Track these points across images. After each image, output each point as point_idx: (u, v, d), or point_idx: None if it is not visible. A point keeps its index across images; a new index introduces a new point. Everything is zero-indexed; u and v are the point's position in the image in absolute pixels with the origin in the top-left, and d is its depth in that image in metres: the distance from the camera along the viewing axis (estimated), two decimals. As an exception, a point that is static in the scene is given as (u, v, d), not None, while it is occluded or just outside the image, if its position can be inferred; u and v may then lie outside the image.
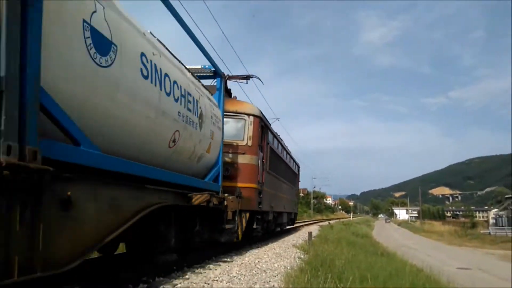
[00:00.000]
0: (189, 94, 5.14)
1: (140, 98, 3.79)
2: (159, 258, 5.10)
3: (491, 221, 66.69)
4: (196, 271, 5.47)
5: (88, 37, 2.95)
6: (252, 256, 7.42)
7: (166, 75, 4.39)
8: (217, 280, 4.79)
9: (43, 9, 2.39)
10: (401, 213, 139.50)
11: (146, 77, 3.86)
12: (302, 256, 8.09)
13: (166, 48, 4.87)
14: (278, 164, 12.29)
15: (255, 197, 8.80)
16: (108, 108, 3.31)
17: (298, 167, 19.70)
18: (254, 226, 9.33)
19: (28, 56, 2.27)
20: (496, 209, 76.78)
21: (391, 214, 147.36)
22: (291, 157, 16.11)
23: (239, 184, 8.10)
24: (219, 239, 7.00)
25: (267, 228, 11.45)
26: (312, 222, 37.27)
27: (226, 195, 6.89)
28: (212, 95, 6.69)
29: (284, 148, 13.93)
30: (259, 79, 11.17)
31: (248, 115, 8.67)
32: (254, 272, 5.67)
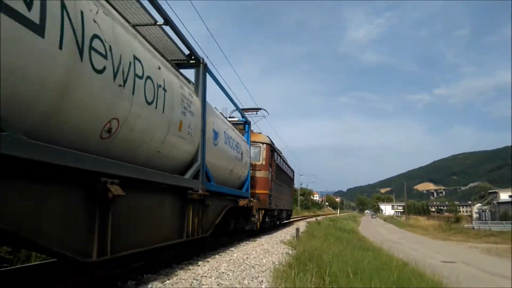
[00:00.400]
0: (237, 143, 9.06)
1: (227, 155, 7.76)
2: (225, 235, 9.00)
3: (475, 215, 69.08)
4: (185, 267, 5.53)
5: (212, 133, 6.86)
6: (241, 252, 7.61)
7: (230, 137, 8.29)
8: (205, 276, 4.81)
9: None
10: (387, 209, 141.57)
11: (226, 143, 7.79)
12: (290, 252, 8.19)
13: (225, 117, 8.79)
14: (280, 174, 16.35)
15: (267, 199, 12.78)
16: (218, 164, 7.26)
17: (293, 172, 23.83)
18: (266, 219, 13.34)
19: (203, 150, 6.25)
20: (479, 204, 79.93)
21: (377, 210, 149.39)
22: (288, 166, 20.17)
23: (257, 191, 12.04)
24: (245, 227, 10.92)
25: (272, 221, 15.50)
26: (299, 218, 37.25)
27: (251, 198, 10.81)
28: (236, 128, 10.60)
29: (284, 160, 17.97)
30: (266, 111, 15.25)
31: (262, 143, 12.65)
32: (243, 268, 5.73)
